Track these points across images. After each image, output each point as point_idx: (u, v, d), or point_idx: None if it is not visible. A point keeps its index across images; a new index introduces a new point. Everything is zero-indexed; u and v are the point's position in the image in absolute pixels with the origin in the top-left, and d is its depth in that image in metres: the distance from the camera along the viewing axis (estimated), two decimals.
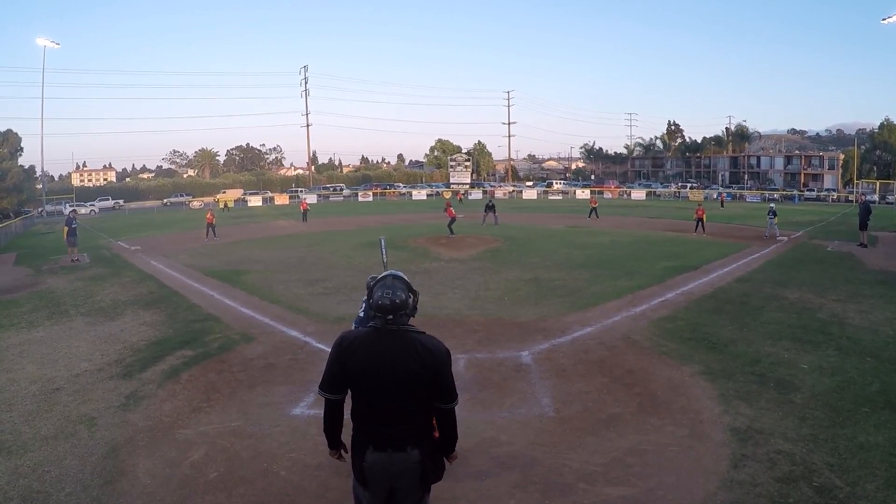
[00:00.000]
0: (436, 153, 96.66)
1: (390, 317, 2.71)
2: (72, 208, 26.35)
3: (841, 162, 72.59)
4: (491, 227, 25.53)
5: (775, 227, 21.35)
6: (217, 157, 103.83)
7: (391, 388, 2.68)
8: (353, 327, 6.64)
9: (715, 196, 53.07)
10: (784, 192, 60.93)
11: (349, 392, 2.84)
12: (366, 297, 5.91)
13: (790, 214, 32.93)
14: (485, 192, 62.80)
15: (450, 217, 22.78)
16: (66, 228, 18.23)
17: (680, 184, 72.54)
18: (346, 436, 2.96)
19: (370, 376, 2.71)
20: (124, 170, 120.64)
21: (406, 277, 2.90)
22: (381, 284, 2.81)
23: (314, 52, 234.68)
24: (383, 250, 6.81)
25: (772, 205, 25.01)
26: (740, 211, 38.12)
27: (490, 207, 28.72)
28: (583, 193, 61.71)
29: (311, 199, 51.13)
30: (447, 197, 49.43)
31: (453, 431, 2.89)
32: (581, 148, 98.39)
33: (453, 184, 72.50)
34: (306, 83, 75.86)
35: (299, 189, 69.19)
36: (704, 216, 23.41)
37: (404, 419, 2.74)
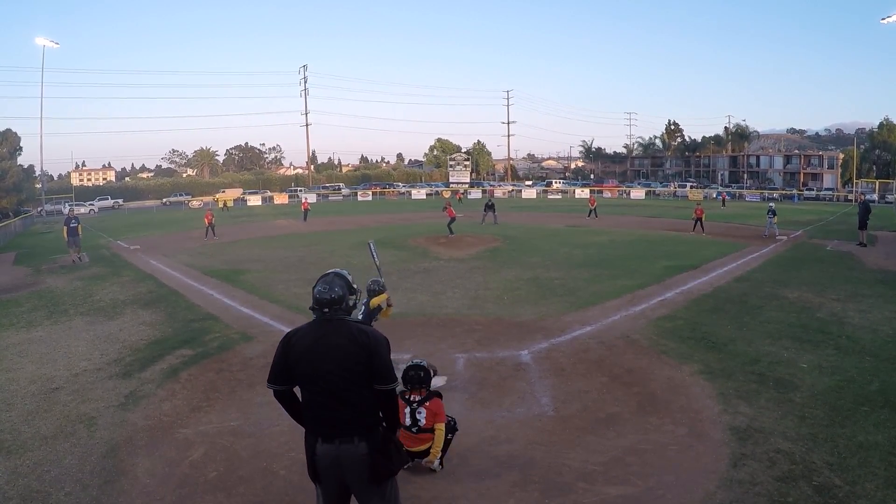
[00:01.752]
0: (435, 152, 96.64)
1: (326, 310, 2.92)
2: (69, 208, 26.35)
3: (840, 161, 72.64)
4: (490, 227, 25.53)
5: (775, 227, 21.39)
6: (216, 157, 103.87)
7: (330, 370, 2.83)
8: None
9: (715, 195, 53.08)
10: (783, 192, 60.98)
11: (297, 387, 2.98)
12: (365, 300, 5.98)
13: (789, 214, 32.93)
14: (484, 192, 62.82)
15: (449, 217, 22.76)
16: (65, 228, 18.15)
17: (679, 183, 72.56)
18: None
19: (310, 361, 2.86)
20: (123, 169, 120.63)
21: (349, 277, 3.10)
22: (322, 280, 3.04)
23: (313, 52, 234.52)
24: (373, 253, 6.82)
25: (771, 204, 25.06)
26: (740, 210, 38.12)
27: (489, 207, 28.72)
28: (582, 193, 61.74)
29: (311, 198, 51.16)
30: (447, 196, 49.46)
31: (392, 411, 3.03)
32: (580, 147, 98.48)
33: (453, 183, 72.55)
34: (306, 82, 75.96)
35: (298, 188, 69.18)
36: (703, 215, 23.43)
37: (346, 403, 2.85)
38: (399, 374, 4.29)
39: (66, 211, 51.94)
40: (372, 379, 2.88)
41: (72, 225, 18.02)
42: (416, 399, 4.69)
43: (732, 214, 33.43)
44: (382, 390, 2.93)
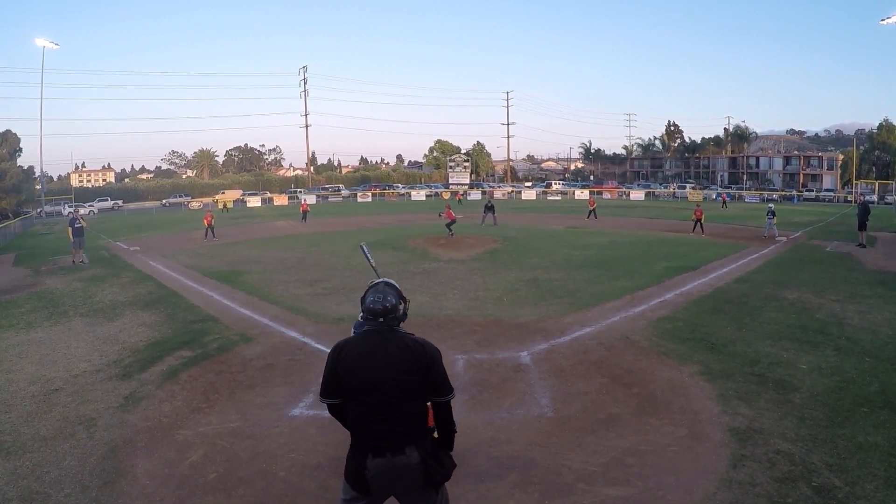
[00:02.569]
0: (435, 154, 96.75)
1: (381, 320, 2.87)
2: (72, 208, 26.33)
3: (840, 162, 72.76)
4: (490, 228, 25.54)
5: (774, 228, 21.37)
6: (216, 158, 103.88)
7: (383, 382, 2.78)
8: (352, 332, 6.72)
9: (715, 196, 53.12)
10: (783, 193, 61.05)
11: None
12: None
13: (789, 215, 32.97)
14: (484, 193, 62.87)
15: (449, 219, 22.54)
16: (69, 229, 18.12)
17: (678, 184, 72.61)
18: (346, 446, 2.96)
19: (362, 374, 2.81)
20: (123, 170, 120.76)
21: (398, 286, 3.02)
22: (373, 290, 2.94)
23: (313, 53, 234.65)
24: (367, 255, 6.86)
25: (771, 205, 25.11)
26: (739, 211, 38.15)
27: (489, 208, 28.69)
28: (582, 194, 61.78)
29: (310, 199, 51.14)
30: (446, 198, 49.44)
31: (451, 426, 2.98)
32: (580, 148, 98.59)
33: (452, 184, 72.61)
34: (305, 83, 76.00)
35: (298, 189, 69.18)
36: (703, 216, 23.46)
37: (398, 415, 2.80)
38: None
39: (66, 212, 52.14)
40: (428, 391, 2.86)
41: (76, 226, 18.01)
42: None
43: (732, 215, 33.44)
44: (439, 402, 2.91)
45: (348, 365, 2.84)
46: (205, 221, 24.44)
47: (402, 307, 2.97)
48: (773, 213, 21.74)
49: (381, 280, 3.03)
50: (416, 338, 2.92)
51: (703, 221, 23.24)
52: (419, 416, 2.86)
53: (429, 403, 2.91)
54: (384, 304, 2.87)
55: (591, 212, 30.90)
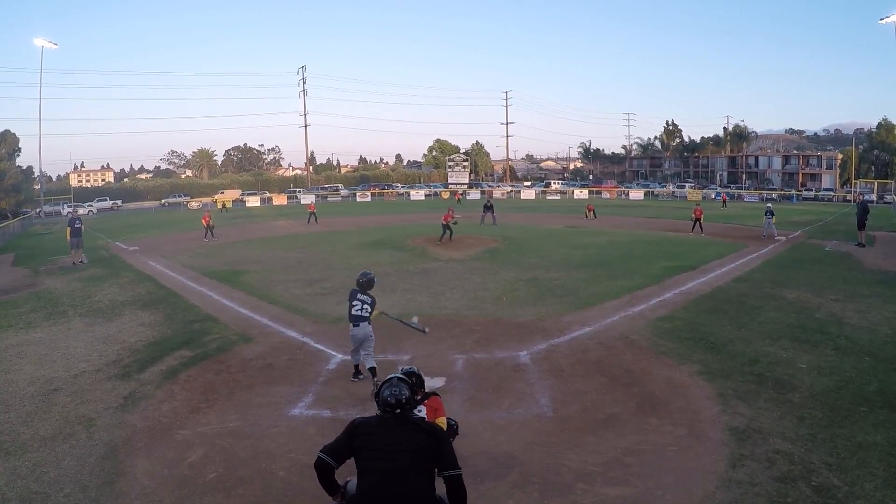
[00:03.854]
0: (434, 153, 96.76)
1: (398, 411, 3.09)
2: (71, 208, 26.32)
3: (839, 162, 72.74)
4: (490, 228, 25.52)
5: (773, 227, 21.39)
6: (215, 158, 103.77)
7: (399, 452, 2.93)
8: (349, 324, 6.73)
9: (714, 196, 53.12)
10: (782, 192, 61.08)
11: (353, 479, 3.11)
12: (370, 301, 6.50)
13: (788, 214, 32.99)
14: (483, 193, 62.87)
15: (444, 220, 20.98)
16: (68, 229, 18.06)
17: (677, 184, 72.64)
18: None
19: (378, 444, 2.98)
20: (122, 170, 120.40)
21: (417, 371, 3.49)
22: (387, 384, 3.20)
23: (312, 53, 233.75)
24: (410, 324, 7.17)
25: (769, 205, 25.20)
26: (738, 211, 38.17)
27: (488, 207, 28.54)
28: (581, 193, 61.80)
29: (309, 199, 51.04)
30: (445, 198, 49.27)
31: (462, 497, 3.03)
32: (579, 148, 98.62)
33: (451, 184, 72.54)
34: (304, 83, 75.89)
35: (297, 189, 69.13)
36: (702, 216, 23.49)
37: (410, 488, 2.89)
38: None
39: (66, 212, 52.10)
40: (440, 468, 2.99)
41: (76, 226, 17.99)
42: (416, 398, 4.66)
43: (732, 215, 33.47)
44: (451, 475, 3.00)
45: (365, 437, 3.01)
46: (203, 221, 24.38)
47: (413, 396, 3.26)
48: (772, 213, 21.80)
49: (393, 376, 3.28)
50: (423, 420, 3.31)
51: (702, 221, 23.27)
52: (425, 488, 2.95)
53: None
54: (399, 397, 3.10)
55: (589, 213, 30.96)
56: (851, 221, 21.50)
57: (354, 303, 6.59)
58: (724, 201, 44.15)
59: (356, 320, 6.54)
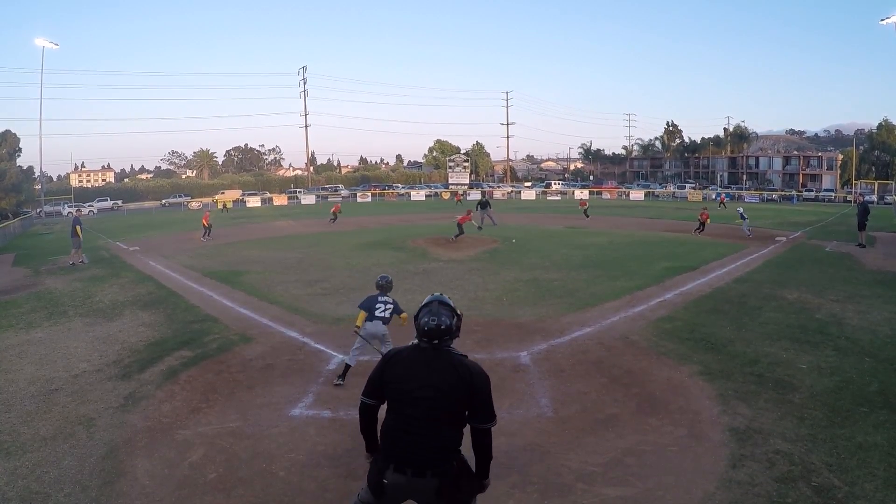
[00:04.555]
0: (434, 154, 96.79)
1: (436, 341, 2.86)
2: (76, 208, 26.53)
3: (839, 162, 72.73)
4: (489, 228, 25.37)
5: (747, 227, 22.45)
6: (215, 158, 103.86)
7: (427, 399, 2.77)
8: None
9: (714, 196, 53.01)
10: (782, 193, 61.05)
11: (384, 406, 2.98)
12: (392, 302, 6.50)
13: (788, 215, 32.98)
14: (483, 193, 62.88)
15: (462, 221, 21.30)
16: (77, 227, 18.04)
17: (678, 184, 72.63)
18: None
19: (407, 386, 2.82)
20: (123, 170, 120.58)
21: (451, 302, 3.01)
22: (427, 310, 2.92)
23: (312, 53, 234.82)
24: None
25: (740, 209, 26.26)
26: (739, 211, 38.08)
27: (484, 205, 27.45)
28: (581, 194, 61.77)
29: (309, 199, 51.03)
30: (445, 197, 49.13)
31: (489, 453, 2.93)
32: (579, 148, 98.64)
33: (452, 184, 72.51)
34: (305, 83, 75.97)
35: (297, 189, 69.12)
36: (708, 220, 23.25)
37: (428, 435, 2.78)
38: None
39: (66, 212, 52.08)
40: (471, 416, 2.84)
41: (81, 225, 18.17)
42: None
43: (732, 216, 33.42)
44: (480, 429, 2.87)
45: (396, 374, 2.86)
46: (203, 221, 24.55)
47: (455, 325, 2.93)
48: (744, 216, 23.04)
49: (434, 298, 3.00)
50: (466, 361, 2.87)
51: (706, 224, 23.01)
52: (448, 442, 2.82)
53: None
54: (439, 324, 2.85)
55: (584, 211, 31.18)
56: (852, 222, 21.48)
57: (378, 305, 6.57)
58: (723, 202, 44.10)
59: (384, 321, 6.56)
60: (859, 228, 18.98)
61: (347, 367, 6.70)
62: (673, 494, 4.26)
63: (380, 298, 6.65)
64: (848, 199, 52.49)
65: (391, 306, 6.59)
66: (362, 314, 6.51)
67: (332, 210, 32.40)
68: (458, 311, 3.00)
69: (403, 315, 6.55)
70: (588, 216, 30.34)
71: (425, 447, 2.78)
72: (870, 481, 4.35)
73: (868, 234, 19.35)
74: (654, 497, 4.25)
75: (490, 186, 74.47)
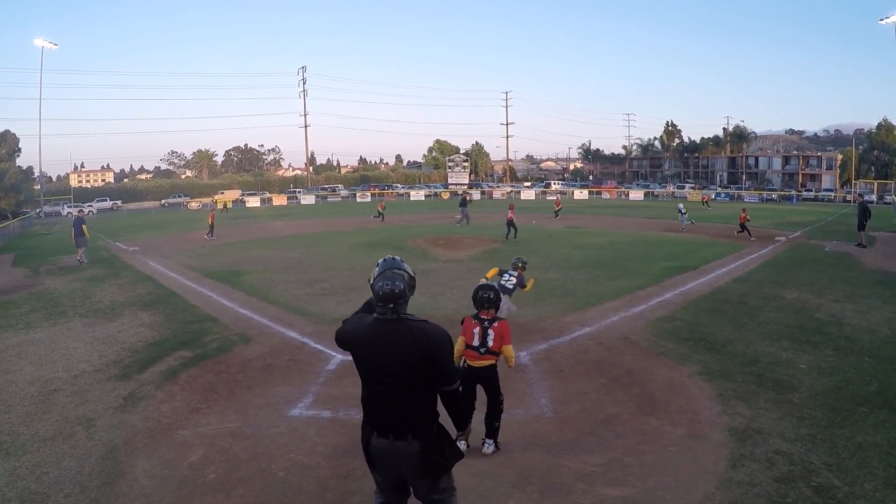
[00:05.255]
0: (434, 154, 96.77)
1: (391, 305, 2.90)
2: (78, 208, 26.95)
3: (839, 162, 72.77)
4: (489, 228, 25.38)
5: (684, 221, 24.25)
6: (215, 158, 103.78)
7: (393, 373, 2.87)
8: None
9: (714, 196, 53.02)
10: (782, 193, 61.08)
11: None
12: (517, 275, 7.82)
13: (788, 215, 32.99)
14: (483, 193, 62.85)
15: (510, 219, 21.43)
16: (84, 226, 18.21)
17: (677, 184, 72.65)
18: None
19: (374, 366, 2.92)
20: (122, 171, 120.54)
21: (405, 265, 3.04)
22: (381, 276, 2.97)
23: (312, 53, 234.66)
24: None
25: (680, 205, 27.51)
26: (738, 212, 38.07)
27: (462, 202, 28.84)
28: (580, 194, 61.79)
29: (309, 199, 50.94)
30: (445, 198, 49.10)
31: (458, 411, 3.10)
32: (579, 148, 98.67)
33: (451, 184, 72.51)
34: (304, 83, 75.97)
35: (297, 189, 69.10)
36: (747, 220, 21.84)
37: (405, 405, 2.91)
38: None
39: (66, 212, 52.06)
40: (435, 381, 2.94)
41: (79, 226, 18.25)
42: (487, 319, 4.86)
43: (731, 216, 33.43)
44: (445, 391, 3.00)
45: (359, 355, 2.97)
46: (210, 219, 25.16)
47: (409, 287, 3.00)
48: (682, 211, 25.33)
49: (389, 263, 3.03)
50: (424, 326, 2.92)
51: (746, 225, 21.66)
52: (423, 406, 2.94)
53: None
54: (392, 288, 2.91)
55: (555, 211, 31.51)
56: (852, 222, 21.49)
57: (506, 276, 8.27)
58: (705, 201, 43.99)
59: (504, 291, 7.87)
60: (859, 228, 19.00)
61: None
62: (673, 494, 4.26)
63: (508, 273, 8.30)
64: (847, 199, 52.56)
65: (514, 279, 8.22)
66: (494, 270, 8.50)
67: (378, 207, 32.85)
68: (412, 272, 3.06)
69: (530, 283, 8.58)
70: (557, 216, 30.73)
71: (402, 415, 2.91)
72: (869, 481, 4.35)
73: (868, 234, 19.36)
74: (654, 497, 4.25)
75: (489, 186, 74.44)
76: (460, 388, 3.07)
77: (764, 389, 6.25)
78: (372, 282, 2.99)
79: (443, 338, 2.92)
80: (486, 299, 4.89)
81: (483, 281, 6.06)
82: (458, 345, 4.77)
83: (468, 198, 33.85)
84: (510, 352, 4.80)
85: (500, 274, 8.25)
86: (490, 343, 4.80)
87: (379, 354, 2.88)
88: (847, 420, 5.44)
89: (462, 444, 4.51)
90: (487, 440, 4.96)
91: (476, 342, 4.81)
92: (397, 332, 2.88)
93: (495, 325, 4.84)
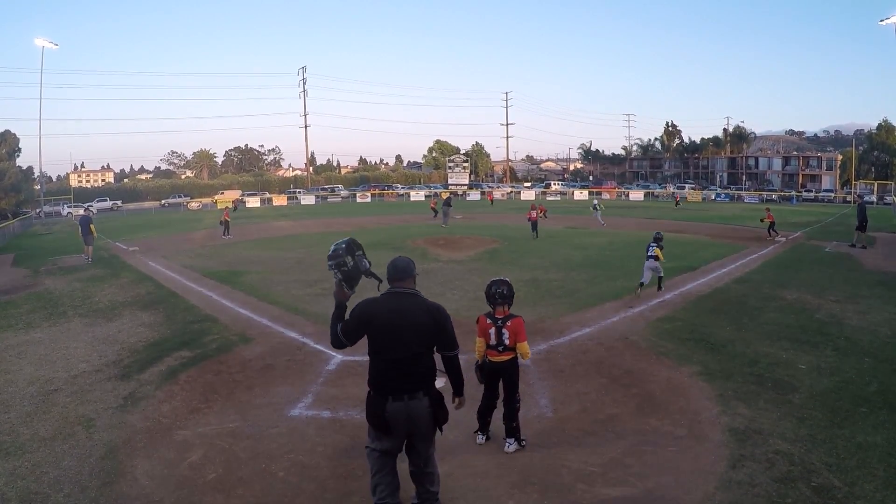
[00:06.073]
0: (434, 154, 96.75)
1: (404, 281, 3.62)
2: (84, 207, 27.60)
3: (839, 163, 72.76)
4: (489, 227, 25.39)
5: (599, 218, 26.22)
6: (215, 158, 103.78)
7: (412, 336, 3.48)
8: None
9: (714, 197, 52.98)
10: (782, 193, 61.06)
11: (368, 358, 3.62)
12: (653, 253, 11.07)
13: (788, 215, 32.98)
14: (483, 193, 62.78)
15: (533, 220, 22.36)
16: (91, 226, 18.60)
17: (677, 185, 72.64)
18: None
19: (397, 329, 3.47)
20: (122, 171, 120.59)
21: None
22: (392, 264, 3.67)
23: (312, 53, 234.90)
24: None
25: (595, 201, 30.24)
26: (738, 211, 38.19)
27: (447, 202, 29.23)
28: (581, 194, 61.75)
29: (309, 199, 50.65)
30: (443, 196, 48.97)
31: (460, 375, 3.80)
32: (579, 149, 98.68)
33: (451, 184, 72.48)
34: (304, 84, 75.95)
35: (297, 190, 69.08)
36: (772, 219, 21.77)
37: (417, 366, 3.51)
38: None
39: (65, 212, 52.03)
40: (440, 347, 3.62)
41: (87, 224, 18.52)
42: (500, 318, 4.91)
43: (731, 216, 33.46)
44: (449, 356, 3.66)
45: (382, 321, 3.47)
46: (224, 217, 25.68)
47: (414, 266, 3.70)
48: (596, 207, 27.59)
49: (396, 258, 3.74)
50: (431, 302, 3.65)
51: (773, 225, 21.63)
52: (428, 368, 3.59)
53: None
54: (407, 265, 3.70)
55: (533, 224, 22.78)
56: (851, 223, 21.46)
57: (651, 246, 11.16)
58: (677, 202, 43.90)
59: (649, 259, 11.04)
60: (857, 229, 19.01)
61: (642, 284, 11.00)
62: (673, 495, 4.26)
63: (652, 245, 11.18)
64: (848, 199, 52.53)
65: (654, 247, 11.15)
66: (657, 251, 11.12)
67: (431, 206, 33.01)
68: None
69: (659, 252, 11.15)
70: (545, 216, 27.53)
71: (414, 374, 3.51)
72: (869, 481, 4.35)
73: (869, 234, 19.35)
74: (654, 497, 4.25)
75: (490, 187, 74.43)
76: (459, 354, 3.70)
77: (764, 390, 6.25)
78: (349, 263, 3.65)
79: (447, 312, 3.66)
80: (500, 294, 4.92)
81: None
82: (479, 345, 4.98)
83: (451, 197, 34.50)
84: (525, 348, 4.88)
85: (649, 247, 11.29)
86: (506, 341, 4.87)
87: (396, 323, 3.46)
88: (847, 420, 5.44)
89: (480, 438, 4.97)
90: (508, 439, 5.02)
91: (493, 341, 4.90)
92: (412, 303, 3.55)
93: (508, 323, 4.88)
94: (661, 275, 11.40)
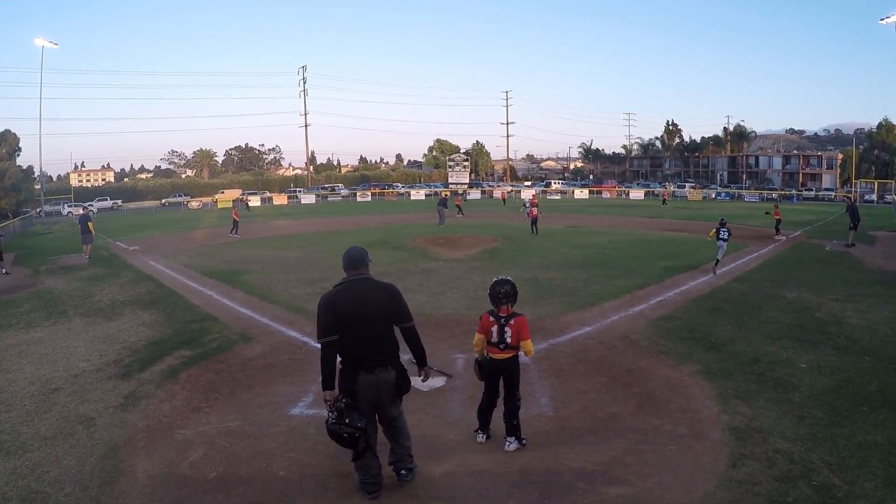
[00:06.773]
0: (434, 153, 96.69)
1: (360, 269, 4.14)
2: (83, 206, 27.66)
3: (839, 162, 72.68)
4: (489, 227, 25.41)
5: (525, 213, 25.19)
6: (215, 158, 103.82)
7: (375, 315, 3.99)
8: None
9: (714, 196, 52.86)
10: (782, 192, 61.01)
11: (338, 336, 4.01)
12: (725, 236, 13.89)
13: (788, 214, 32.94)
14: (483, 192, 62.76)
15: (534, 216, 23.30)
16: (90, 224, 18.73)
17: (678, 184, 72.59)
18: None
19: (361, 311, 3.96)
20: (122, 170, 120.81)
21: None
22: (346, 255, 4.20)
23: (312, 52, 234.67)
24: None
25: (525, 199, 31.15)
26: (738, 210, 38.17)
27: (442, 202, 29.34)
28: (581, 193, 61.74)
29: (309, 199, 50.65)
30: (445, 195, 49.00)
31: (420, 346, 4.27)
32: (579, 148, 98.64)
33: (452, 184, 72.45)
34: (305, 83, 75.91)
35: (297, 189, 69.06)
36: (779, 217, 22.08)
37: (384, 342, 4.03)
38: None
39: (66, 212, 52.05)
40: (398, 320, 4.11)
41: (85, 223, 18.64)
42: (504, 316, 4.90)
43: (730, 215, 33.42)
44: (406, 327, 4.16)
45: (347, 309, 3.93)
46: (234, 216, 25.95)
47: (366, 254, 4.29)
48: (526, 205, 26.44)
49: (351, 248, 4.28)
50: (385, 283, 4.23)
51: (780, 223, 21.89)
52: (393, 342, 4.09)
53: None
54: (362, 255, 4.22)
55: (533, 221, 23.16)
56: (849, 223, 21.45)
57: (723, 231, 13.68)
58: (664, 200, 43.94)
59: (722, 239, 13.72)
60: (851, 228, 19.07)
61: (718, 261, 13.56)
62: (673, 493, 4.26)
63: (721, 228, 13.68)
64: (847, 199, 52.42)
65: (725, 230, 13.71)
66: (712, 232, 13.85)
67: (455, 203, 33.07)
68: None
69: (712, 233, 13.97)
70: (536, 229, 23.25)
71: (381, 350, 4.02)
72: (870, 480, 4.35)
73: (867, 233, 19.35)
74: (655, 496, 4.25)
75: (489, 186, 74.40)
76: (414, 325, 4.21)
77: (764, 388, 6.25)
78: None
79: (397, 288, 4.21)
80: (503, 294, 4.91)
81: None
82: (478, 340, 5.00)
83: (446, 195, 35.38)
84: (528, 346, 4.89)
85: (718, 230, 13.75)
86: (508, 339, 4.86)
87: (363, 302, 3.96)
88: (847, 419, 5.44)
89: (480, 437, 5.09)
90: (509, 438, 5.02)
91: (495, 339, 4.90)
92: (369, 286, 4.08)
93: (511, 322, 4.87)
94: (720, 257, 13.56)
